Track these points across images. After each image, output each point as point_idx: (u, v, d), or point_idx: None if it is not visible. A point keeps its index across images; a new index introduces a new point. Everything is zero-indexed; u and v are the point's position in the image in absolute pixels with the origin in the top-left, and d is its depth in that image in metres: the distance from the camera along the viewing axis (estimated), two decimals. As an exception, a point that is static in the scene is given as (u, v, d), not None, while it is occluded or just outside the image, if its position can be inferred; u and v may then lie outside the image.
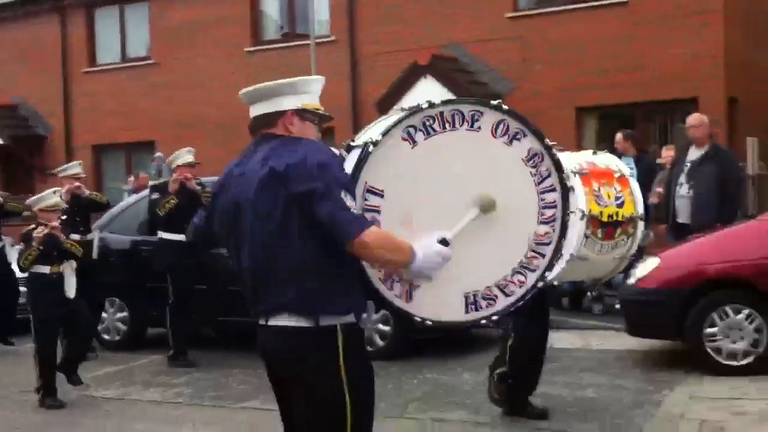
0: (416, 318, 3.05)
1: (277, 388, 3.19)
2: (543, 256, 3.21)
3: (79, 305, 7.12)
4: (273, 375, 3.16)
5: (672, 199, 8.77)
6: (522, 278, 3.18)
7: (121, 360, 8.65)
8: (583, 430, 5.53)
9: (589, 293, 9.59)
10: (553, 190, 3.23)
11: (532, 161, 3.21)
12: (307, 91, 3.10)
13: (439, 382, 7.01)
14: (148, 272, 8.80)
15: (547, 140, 3.24)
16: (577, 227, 4.76)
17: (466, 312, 3.11)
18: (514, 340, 5.56)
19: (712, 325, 6.73)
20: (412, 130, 3.02)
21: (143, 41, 18.41)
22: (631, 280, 7.26)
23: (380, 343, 7.99)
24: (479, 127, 3.11)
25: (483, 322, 3.19)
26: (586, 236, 4.89)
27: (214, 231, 3.20)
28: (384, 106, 13.31)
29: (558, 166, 3.24)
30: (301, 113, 3.06)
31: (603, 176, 5.14)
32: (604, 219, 4.98)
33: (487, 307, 3.13)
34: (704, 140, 8.72)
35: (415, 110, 3.03)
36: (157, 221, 8.39)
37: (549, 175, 3.22)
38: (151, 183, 10.58)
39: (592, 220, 4.90)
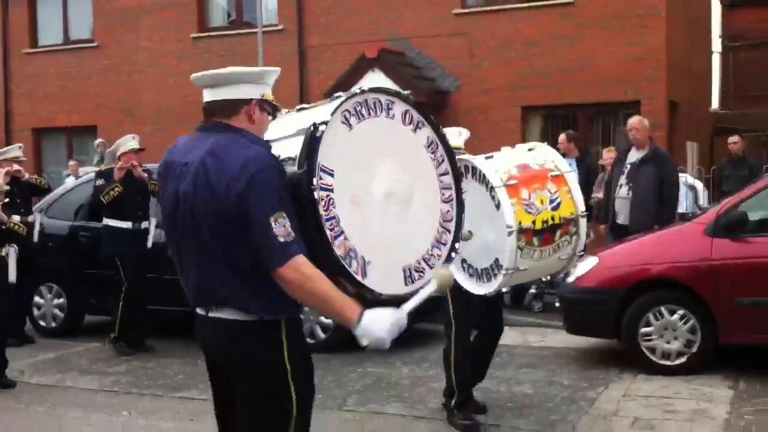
0: (375, 292, 3.19)
1: (215, 380, 3.19)
2: (449, 231, 3.52)
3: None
4: (212, 367, 3.16)
5: (612, 200, 8.94)
6: (438, 252, 3.46)
7: (57, 347, 8.51)
8: (518, 426, 5.61)
9: (531, 290, 9.70)
10: (447, 173, 3.54)
11: (430, 148, 3.49)
12: (268, 83, 3.13)
13: (379, 376, 7.04)
14: (88, 259, 8.68)
15: (441, 129, 3.53)
16: (506, 243, 4.77)
17: (406, 285, 3.32)
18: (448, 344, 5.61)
19: (648, 325, 6.88)
20: (347, 114, 3.18)
21: (86, 23, 18.06)
22: (571, 279, 7.37)
23: (322, 335, 8.00)
24: (393, 115, 3.35)
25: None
26: (520, 248, 4.80)
27: None
28: (332, 98, 13.28)
29: (450, 153, 3.54)
30: (262, 104, 3.09)
31: (534, 180, 4.99)
32: (539, 227, 4.87)
33: (419, 279, 3.36)
34: (644, 143, 8.89)
35: (350, 96, 3.19)
36: (102, 208, 8.27)
37: (443, 161, 3.53)
38: (96, 169, 10.41)
39: (525, 232, 4.81)
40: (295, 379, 2.97)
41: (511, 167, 5.02)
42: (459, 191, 3.55)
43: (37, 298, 9.16)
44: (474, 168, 4.98)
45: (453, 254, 3.50)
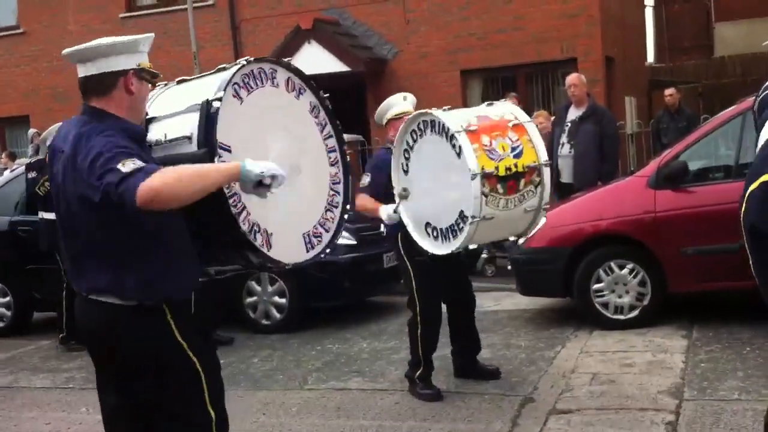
0: (281, 263, 3.30)
1: (101, 366, 3.14)
2: (339, 193, 3.63)
3: None
4: (95, 352, 3.11)
5: (554, 159, 9.00)
6: (332, 215, 3.58)
7: (7, 347, 8.33)
8: (479, 390, 5.65)
9: (483, 254, 9.74)
10: (331, 136, 3.63)
11: (314, 112, 3.57)
12: (143, 50, 3.06)
13: (338, 352, 7.04)
14: (29, 254, 8.47)
15: (321, 92, 3.57)
16: (471, 188, 4.65)
17: (307, 251, 3.44)
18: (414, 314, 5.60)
19: (599, 281, 6.97)
20: (237, 87, 3.19)
21: (10, 9, 17.49)
22: (520, 241, 7.41)
23: (278, 316, 7.95)
24: (277, 84, 3.40)
25: (322, 256, 3.51)
26: (485, 194, 4.69)
27: None
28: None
29: (330, 114, 3.61)
30: (139, 73, 3.02)
31: (494, 129, 4.90)
32: (501, 173, 4.76)
33: (318, 244, 3.48)
34: (583, 99, 8.97)
35: (239, 67, 3.20)
36: (37, 200, 8.05)
37: (326, 124, 3.61)
38: (26, 161, 10.13)
39: (488, 178, 4.69)
40: (194, 351, 3.00)
41: (470, 117, 4.97)
42: (343, 153, 3.64)
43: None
44: (433, 122, 4.91)
45: (345, 215, 3.61)
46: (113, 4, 16.26)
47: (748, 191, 2.86)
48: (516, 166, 4.85)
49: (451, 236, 4.92)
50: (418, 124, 5.02)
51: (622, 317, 6.94)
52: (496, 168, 4.76)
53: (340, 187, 3.63)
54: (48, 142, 8.10)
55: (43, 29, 16.81)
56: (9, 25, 17.47)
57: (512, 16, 13.65)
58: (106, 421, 3.21)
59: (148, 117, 3.25)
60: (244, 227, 3.07)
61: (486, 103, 5.34)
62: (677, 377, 5.56)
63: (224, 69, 3.25)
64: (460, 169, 4.74)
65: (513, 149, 4.90)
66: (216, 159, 2.97)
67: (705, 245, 6.74)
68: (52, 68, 16.65)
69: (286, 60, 3.49)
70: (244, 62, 3.21)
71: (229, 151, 3.04)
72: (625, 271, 6.93)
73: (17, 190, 8.92)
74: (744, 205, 2.88)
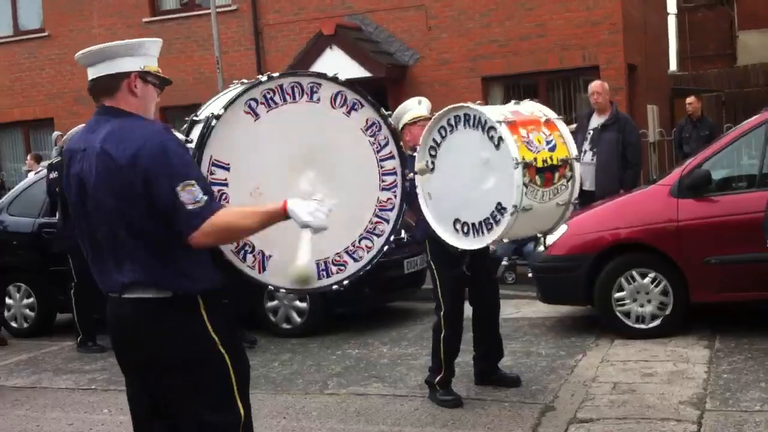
0: (270, 286, 3.14)
1: (129, 366, 3.14)
2: (387, 221, 3.35)
3: None
4: (126, 351, 3.11)
5: (577, 166, 8.96)
6: (369, 243, 3.31)
7: (31, 347, 8.40)
8: (499, 397, 5.64)
9: (504, 261, 9.72)
10: (392, 157, 3.36)
11: (370, 130, 3.32)
12: (148, 54, 3.08)
13: (358, 357, 7.05)
14: (52, 255, 8.55)
15: (383, 110, 3.36)
16: (514, 177, 4.66)
17: (319, 278, 3.19)
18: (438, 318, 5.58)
19: (620, 290, 6.94)
20: (253, 103, 3.06)
21: (36, 12, 17.65)
22: (541, 248, 7.42)
23: (298, 320, 7.97)
24: (318, 99, 3.20)
25: (334, 287, 3.28)
26: (525, 185, 4.71)
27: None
28: (291, 77, 13.17)
29: (394, 134, 3.39)
30: (144, 76, 3.04)
31: (529, 123, 4.95)
32: (539, 164, 4.80)
33: (337, 272, 3.24)
34: (606, 107, 8.94)
35: (255, 84, 3.08)
36: (57, 202, 8.11)
37: (387, 144, 3.35)
38: (48, 162, 10.22)
39: (528, 168, 4.72)
40: (226, 346, 3.00)
41: (505, 112, 4.98)
42: (404, 177, 3.41)
43: (6, 299, 9.01)
44: (467, 116, 4.89)
45: (386, 247, 3.35)
46: (138, 8, 16.38)
47: None
48: (551, 159, 4.88)
49: (485, 229, 4.87)
50: (449, 119, 5.00)
51: (643, 326, 6.90)
52: (535, 159, 4.78)
53: (391, 215, 3.36)
54: (69, 144, 8.21)
55: (67, 33, 16.95)
56: (34, 28, 17.63)
57: (534, 23, 13.64)
58: (135, 423, 3.22)
59: (194, 118, 3.28)
60: (231, 246, 3.01)
61: (513, 101, 5.33)
62: (699, 387, 5.53)
63: (258, 82, 3.14)
64: (499, 160, 4.74)
65: (547, 143, 4.93)
66: (208, 176, 2.97)
67: (728, 255, 6.71)
68: (76, 71, 16.75)
69: (333, 74, 3.30)
70: (264, 78, 3.13)
71: (227, 169, 2.99)
72: (647, 280, 6.91)
73: (42, 192, 8.99)
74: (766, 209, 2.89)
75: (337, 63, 13.49)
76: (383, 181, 3.35)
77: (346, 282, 3.27)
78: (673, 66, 21.12)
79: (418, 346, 7.11)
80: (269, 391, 6.22)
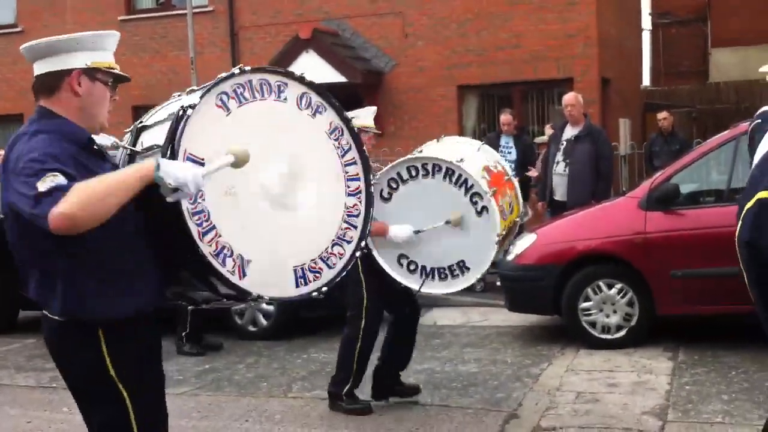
0: (251, 294, 2.94)
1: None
2: (355, 227, 3.26)
3: None
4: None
5: (549, 176, 9.03)
6: (341, 250, 3.21)
7: (-9, 344, 8.30)
8: (464, 404, 5.65)
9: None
10: (355, 162, 3.28)
11: (333, 134, 3.24)
12: (99, 48, 2.80)
13: (324, 361, 7.01)
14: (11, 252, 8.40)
15: (345, 113, 3.26)
16: (490, 250, 5.00)
17: (297, 286, 3.08)
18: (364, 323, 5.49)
19: (587, 300, 6.98)
20: (224, 97, 2.94)
21: (9, 7, 17.47)
22: (510, 257, 7.43)
23: (264, 323, 7.93)
24: (285, 98, 3.10)
25: (314, 294, 3.14)
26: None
27: None
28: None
29: (357, 139, 3.29)
30: (92, 72, 2.77)
31: (501, 186, 5.17)
32: (505, 231, 5.16)
33: (314, 280, 3.11)
34: (579, 119, 8.99)
35: (227, 77, 2.96)
36: None
37: (350, 149, 3.27)
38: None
39: (500, 237, 5.03)
40: (127, 383, 2.76)
41: (481, 170, 5.11)
42: (368, 182, 3.30)
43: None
44: (449, 169, 5.01)
45: (358, 253, 3.24)
46: (113, 6, 16.26)
47: (745, 209, 2.88)
48: (513, 222, 5.36)
49: (438, 277, 5.16)
50: (425, 164, 5.08)
51: (609, 337, 6.94)
52: (504, 229, 5.08)
53: (358, 221, 3.26)
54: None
55: (41, 28, 16.70)
56: (7, 23, 17.45)
57: (510, 34, 13.70)
58: None
59: (140, 125, 3.07)
60: (208, 248, 2.77)
61: (471, 143, 5.66)
62: (662, 398, 5.56)
63: (231, 75, 2.98)
64: (478, 226, 4.99)
65: (510, 206, 5.25)
66: None
67: (694, 268, 6.76)
68: (48, 67, 16.62)
69: (299, 74, 3.15)
70: (236, 71, 2.97)
71: (202, 164, 2.77)
72: (614, 290, 6.94)
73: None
74: (740, 222, 2.90)
75: (313, 67, 13.45)
76: (348, 186, 3.27)
77: (324, 289, 3.15)
78: (646, 81, 21.31)
79: (385, 351, 7.07)
80: (233, 394, 6.18)
